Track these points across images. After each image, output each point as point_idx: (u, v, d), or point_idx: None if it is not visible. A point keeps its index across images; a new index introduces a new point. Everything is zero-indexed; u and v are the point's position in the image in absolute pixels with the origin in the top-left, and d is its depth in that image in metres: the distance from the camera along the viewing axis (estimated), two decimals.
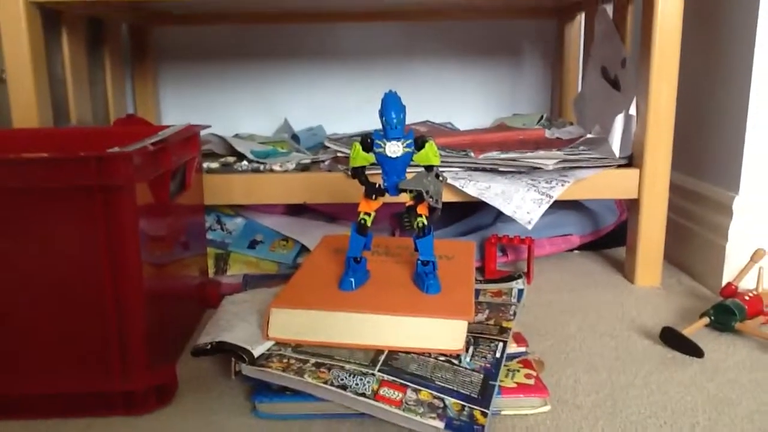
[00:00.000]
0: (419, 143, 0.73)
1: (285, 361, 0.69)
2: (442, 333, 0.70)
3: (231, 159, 1.17)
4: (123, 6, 1.27)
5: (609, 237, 1.27)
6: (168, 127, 0.90)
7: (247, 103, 1.63)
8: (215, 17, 1.53)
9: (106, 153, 0.63)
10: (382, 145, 0.72)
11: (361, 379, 0.67)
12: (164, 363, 0.76)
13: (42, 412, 0.69)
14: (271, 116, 1.63)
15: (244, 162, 1.14)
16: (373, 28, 1.60)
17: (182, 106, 1.62)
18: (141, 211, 0.68)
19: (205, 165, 1.11)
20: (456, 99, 1.63)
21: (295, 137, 1.46)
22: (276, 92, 1.63)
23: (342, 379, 0.67)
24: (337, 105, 1.62)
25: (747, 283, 0.98)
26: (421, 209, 0.74)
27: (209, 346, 0.72)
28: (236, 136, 1.51)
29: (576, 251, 1.26)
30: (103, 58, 1.41)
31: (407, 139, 0.72)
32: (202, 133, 0.95)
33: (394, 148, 0.72)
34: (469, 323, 0.72)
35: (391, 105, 0.71)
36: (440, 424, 0.62)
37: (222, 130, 1.55)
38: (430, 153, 0.73)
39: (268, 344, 0.72)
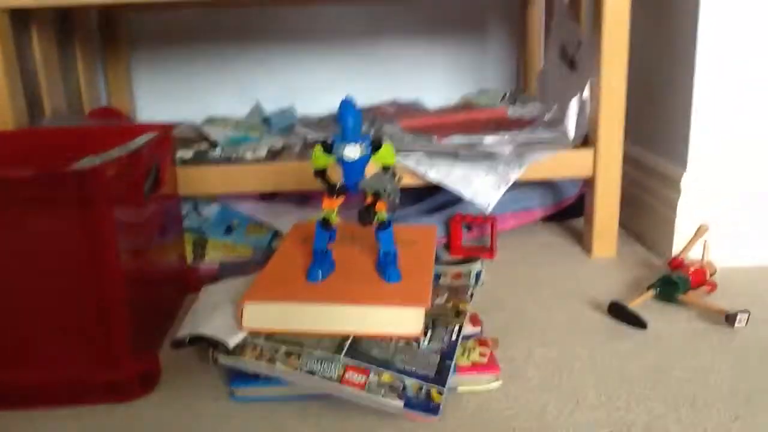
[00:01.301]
0: (376, 144, 0.78)
1: (258, 350, 0.75)
2: (401, 320, 0.77)
3: (204, 146, 1.22)
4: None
5: (571, 208, 1.33)
6: (144, 128, 0.94)
7: (219, 86, 1.66)
8: (185, 2, 1.55)
9: (81, 169, 0.68)
10: (341, 148, 0.77)
11: (328, 365, 0.73)
12: (148, 350, 0.82)
13: (29, 403, 0.75)
14: (244, 98, 1.66)
15: (217, 150, 1.18)
16: (341, 9, 1.62)
17: (155, 91, 1.65)
18: (117, 211, 0.73)
19: (179, 154, 1.15)
20: (424, 77, 1.67)
21: (266, 120, 1.50)
22: (248, 74, 1.66)
23: (310, 365, 0.73)
24: (309, 85, 1.66)
25: (695, 254, 1.05)
26: (380, 206, 0.80)
27: (187, 339, 0.78)
28: (210, 118, 1.55)
29: (539, 223, 1.32)
30: (75, 48, 1.43)
31: (364, 142, 0.77)
32: (176, 119, 0.99)
33: (352, 151, 0.77)
34: (427, 309, 0.78)
35: (347, 111, 0.76)
36: (400, 403, 0.69)
37: (195, 113, 1.59)
38: (387, 154, 0.79)
39: (243, 334, 0.78)
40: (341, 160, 0.78)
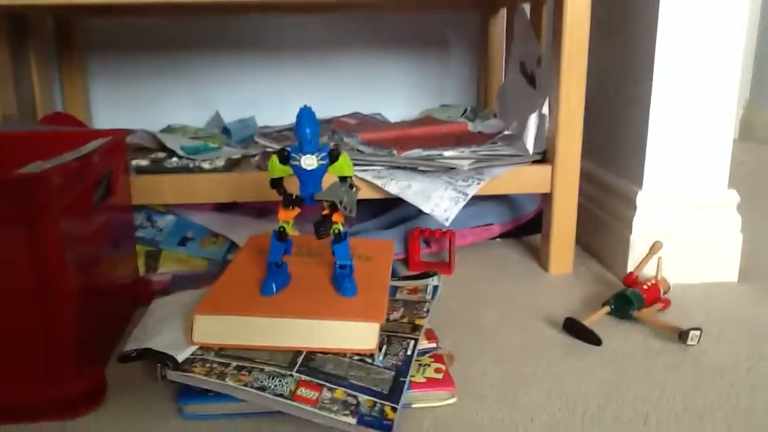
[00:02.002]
0: (333, 155, 0.77)
1: (208, 365, 0.73)
2: (355, 334, 0.75)
3: (161, 155, 1.19)
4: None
5: (529, 224, 1.33)
6: (96, 133, 0.92)
7: (178, 95, 1.63)
8: (142, 8, 1.53)
9: (26, 175, 0.66)
10: (298, 158, 0.76)
11: (279, 381, 0.71)
12: (94, 365, 0.79)
13: None
14: (203, 107, 1.64)
15: (174, 158, 1.16)
16: (303, 20, 1.62)
17: (112, 99, 1.62)
18: (64, 220, 0.70)
19: (134, 162, 1.13)
20: (385, 90, 1.67)
21: (225, 130, 1.48)
22: (207, 83, 1.64)
23: (261, 381, 0.71)
24: (269, 96, 1.65)
25: (650, 271, 1.06)
26: (336, 217, 0.79)
27: (135, 353, 0.76)
28: (168, 127, 1.52)
29: (498, 239, 1.33)
30: (28, 53, 1.40)
31: (322, 152, 0.77)
32: (134, 128, 0.97)
33: (309, 161, 0.76)
34: (382, 324, 0.77)
35: (305, 120, 0.75)
36: (352, 420, 0.68)
37: (153, 121, 1.57)
38: (344, 165, 0.78)
39: (192, 349, 0.76)
40: (298, 171, 0.77)
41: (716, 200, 1.10)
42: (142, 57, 1.61)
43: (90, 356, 0.78)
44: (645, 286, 0.99)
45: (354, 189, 0.79)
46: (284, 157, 0.77)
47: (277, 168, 0.78)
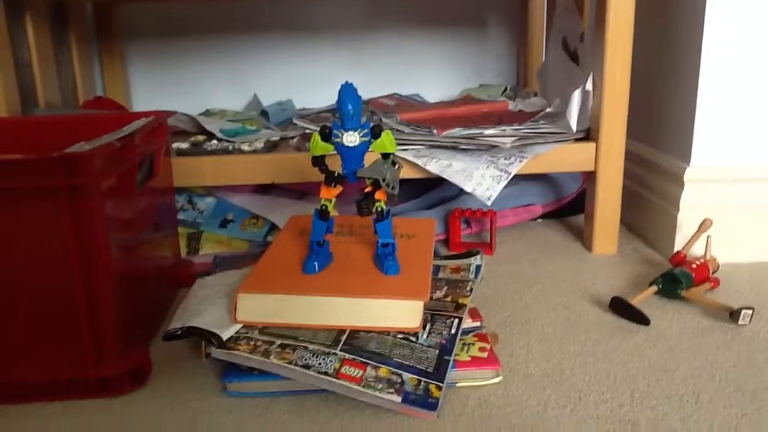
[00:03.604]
0: (376, 132, 0.76)
1: (252, 343, 0.73)
2: (399, 313, 0.75)
3: (201, 138, 1.20)
4: None
5: (571, 205, 1.31)
6: (137, 115, 0.92)
7: (216, 79, 1.64)
8: None
9: (71, 154, 0.66)
10: (340, 135, 0.75)
11: (324, 359, 0.71)
12: (138, 345, 0.79)
13: (17, 398, 0.73)
14: (241, 91, 1.64)
15: (214, 141, 1.16)
16: (341, 1, 1.61)
17: (151, 83, 1.63)
18: (108, 201, 0.71)
19: (174, 145, 1.13)
20: (423, 70, 1.65)
21: (264, 113, 1.48)
22: (245, 67, 1.64)
23: (306, 359, 0.71)
24: (307, 78, 1.64)
25: (698, 250, 1.03)
26: (379, 195, 0.78)
27: (180, 332, 0.76)
28: (206, 111, 1.53)
29: (539, 220, 1.31)
30: (69, 38, 1.41)
31: (364, 129, 0.75)
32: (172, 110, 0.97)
33: (351, 138, 0.75)
34: (426, 302, 0.76)
35: (347, 96, 0.74)
36: (397, 399, 0.67)
37: (192, 105, 1.57)
38: (387, 141, 0.77)
39: (236, 327, 0.76)
40: (340, 148, 0.76)
41: (766, 177, 1.06)
42: (180, 41, 1.61)
43: (133, 336, 0.78)
44: (693, 265, 0.96)
45: (397, 166, 0.78)
46: (326, 135, 0.76)
47: (319, 145, 0.77)
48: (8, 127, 0.95)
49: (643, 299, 0.92)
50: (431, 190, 1.32)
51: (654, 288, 0.94)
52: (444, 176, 1.05)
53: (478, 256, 0.93)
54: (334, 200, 0.80)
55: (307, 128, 1.26)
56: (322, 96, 1.62)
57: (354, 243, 0.90)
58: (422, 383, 0.69)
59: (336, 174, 0.78)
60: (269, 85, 1.64)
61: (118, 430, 0.68)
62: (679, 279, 0.93)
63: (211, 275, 0.93)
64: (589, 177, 1.12)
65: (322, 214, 0.80)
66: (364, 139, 0.76)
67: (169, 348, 0.82)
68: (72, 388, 0.73)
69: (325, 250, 0.83)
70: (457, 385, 0.73)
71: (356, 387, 0.68)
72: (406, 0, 1.61)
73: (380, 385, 0.68)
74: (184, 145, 1.14)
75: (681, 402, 0.70)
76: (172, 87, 1.63)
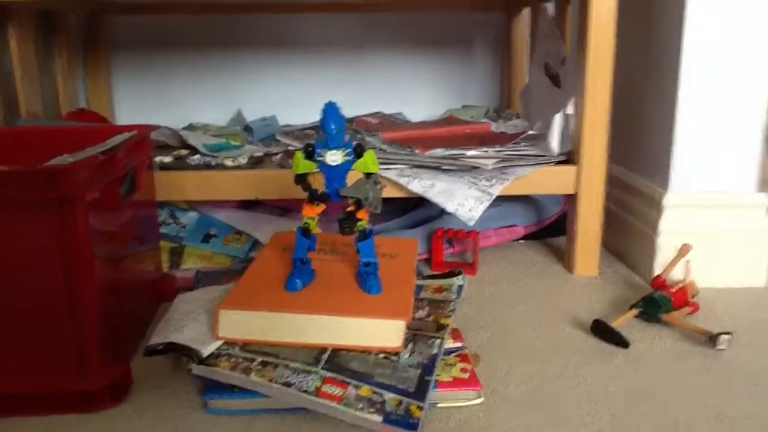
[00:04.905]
0: (358, 151, 0.76)
1: (233, 360, 0.73)
2: (381, 332, 0.75)
3: (184, 152, 1.19)
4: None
5: (553, 226, 1.32)
6: (120, 128, 0.92)
7: (200, 93, 1.64)
8: (168, 6, 1.53)
9: (56, 166, 0.66)
10: (323, 153, 0.76)
11: (305, 377, 0.71)
12: (119, 360, 0.78)
13: None
14: (225, 106, 1.64)
15: (197, 155, 1.16)
16: (327, 19, 1.61)
17: (135, 96, 1.62)
18: (92, 214, 0.70)
19: (157, 159, 1.13)
20: (407, 90, 1.66)
21: (248, 128, 1.48)
22: (230, 82, 1.64)
23: (286, 377, 0.70)
24: (291, 95, 1.64)
25: (678, 274, 1.04)
26: (361, 214, 0.78)
27: (160, 347, 0.75)
28: (190, 125, 1.53)
29: (521, 241, 1.31)
30: (54, 50, 1.41)
31: (347, 148, 0.76)
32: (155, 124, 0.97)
33: (333, 157, 0.75)
34: (408, 322, 0.76)
35: (330, 116, 0.75)
36: (378, 419, 0.67)
37: (176, 119, 1.57)
38: (369, 161, 0.77)
39: (218, 343, 0.76)
40: (323, 166, 0.76)
41: (745, 202, 1.08)
42: (166, 55, 1.61)
43: (115, 350, 0.77)
44: (673, 290, 0.97)
45: (379, 185, 0.78)
46: (309, 153, 0.76)
47: (301, 163, 0.77)
48: None
49: (624, 322, 0.93)
50: (413, 209, 1.32)
51: (634, 311, 0.95)
52: (426, 196, 1.05)
53: (461, 276, 0.94)
54: (316, 218, 0.80)
55: (291, 145, 1.26)
56: (306, 113, 1.62)
57: (336, 261, 0.90)
58: (403, 403, 0.68)
59: (319, 192, 0.79)
60: (253, 101, 1.64)
61: None
62: (659, 303, 0.94)
63: (194, 290, 0.92)
64: (571, 199, 1.13)
65: (305, 231, 0.80)
66: (347, 158, 0.76)
67: (150, 362, 0.81)
68: (53, 402, 0.72)
69: (307, 267, 0.83)
70: (439, 405, 0.73)
71: (337, 406, 0.68)
72: (393, 19, 1.62)
73: (361, 405, 0.68)
74: (167, 159, 1.14)
75: (661, 427, 0.70)
76: (156, 100, 1.63)
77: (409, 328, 0.78)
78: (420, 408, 0.68)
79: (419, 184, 1.06)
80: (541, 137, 1.15)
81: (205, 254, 1.15)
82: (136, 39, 1.60)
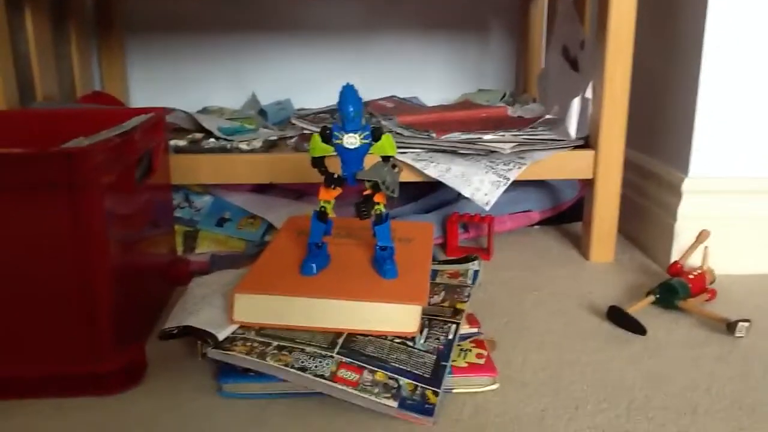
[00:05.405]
0: (376, 135, 0.76)
1: (248, 344, 0.73)
2: (397, 317, 0.74)
3: (198, 135, 1.19)
4: None
5: (569, 212, 1.31)
6: (136, 111, 0.92)
7: (215, 76, 1.63)
8: None
9: (71, 149, 0.66)
10: (340, 136, 0.75)
11: (320, 361, 0.70)
12: (133, 343, 0.79)
13: (11, 394, 0.72)
14: (240, 89, 1.64)
15: (212, 139, 1.16)
16: (341, 2, 1.60)
17: (150, 79, 1.62)
18: (107, 197, 0.70)
19: (172, 142, 1.13)
20: (422, 73, 1.65)
21: (262, 112, 1.48)
22: (245, 65, 1.63)
23: (302, 362, 0.70)
24: (306, 79, 1.64)
25: (695, 261, 1.03)
26: (378, 198, 0.77)
27: (176, 330, 0.75)
28: (205, 109, 1.52)
29: (536, 226, 1.30)
30: (69, 32, 1.40)
31: (364, 131, 0.75)
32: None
33: (351, 140, 0.75)
34: (424, 307, 0.76)
35: (348, 98, 0.74)
36: (394, 404, 0.67)
37: (190, 103, 1.56)
38: (387, 144, 0.76)
39: (233, 327, 0.75)
40: (340, 149, 0.75)
41: (765, 188, 1.06)
42: (180, 38, 1.61)
43: (129, 333, 0.78)
44: (691, 276, 0.96)
45: (397, 169, 0.77)
46: (326, 136, 0.76)
47: (318, 146, 0.77)
48: (7, 120, 0.94)
49: (640, 309, 0.92)
50: (429, 193, 1.32)
51: (651, 298, 0.94)
52: (442, 180, 1.05)
53: (476, 262, 0.93)
54: (332, 202, 0.80)
55: (306, 128, 1.25)
56: (321, 96, 1.61)
57: (352, 245, 0.89)
58: (419, 388, 0.68)
59: (335, 176, 0.78)
60: (268, 84, 1.64)
61: (112, 429, 0.68)
62: (676, 289, 0.93)
63: (208, 274, 0.92)
64: (588, 185, 1.12)
65: (321, 215, 0.80)
66: (364, 141, 0.75)
67: (165, 346, 0.81)
68: (66, 384, 0.72)
69: (323, 252, 0.82)
70: (454, 391, 0.73)
71: (352, 391, 0.68)
72: (408, 2, 1.61)
73: (376, 390, 0.68)
74: (181, 143, 1.14)
75: (678, 414, 0.70)
76: (171, 83, 1.62)
77: (424, 313, 0.77)
78: (435, 393, 0.68)
79: (435, 169, 1.05)
80: (559, 121, 1.14)
81: (220, 238, 1.15)
82: (151, 22, 1.59)
